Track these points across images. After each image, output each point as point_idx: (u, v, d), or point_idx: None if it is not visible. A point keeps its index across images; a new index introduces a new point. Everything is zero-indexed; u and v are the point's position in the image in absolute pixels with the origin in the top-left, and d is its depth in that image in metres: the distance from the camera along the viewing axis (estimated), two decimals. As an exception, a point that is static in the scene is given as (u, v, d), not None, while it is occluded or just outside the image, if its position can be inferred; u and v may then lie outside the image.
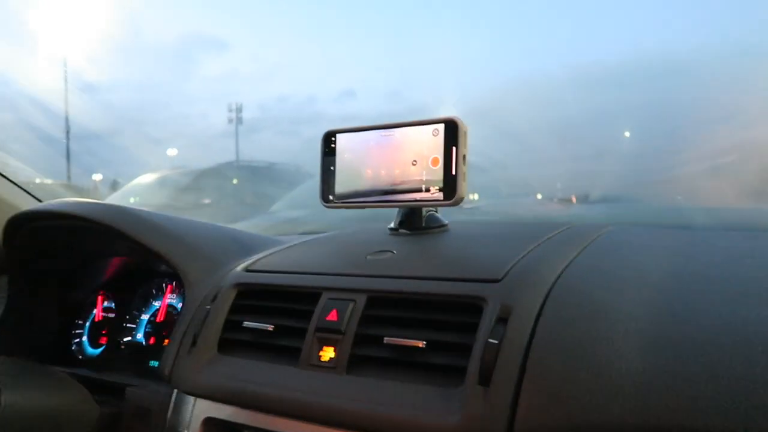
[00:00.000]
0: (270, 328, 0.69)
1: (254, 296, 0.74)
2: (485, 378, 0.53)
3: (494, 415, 0.51)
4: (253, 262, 0.80)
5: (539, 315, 0.56)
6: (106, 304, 1.12)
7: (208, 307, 0.74)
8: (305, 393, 0.62)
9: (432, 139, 0.78)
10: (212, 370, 0.69)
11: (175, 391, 0.72)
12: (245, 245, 0.94)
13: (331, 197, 0.86)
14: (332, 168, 0.86)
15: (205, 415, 0.67)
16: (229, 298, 0.74)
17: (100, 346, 1.09)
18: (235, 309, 0.74)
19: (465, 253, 0.72)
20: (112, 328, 1.08)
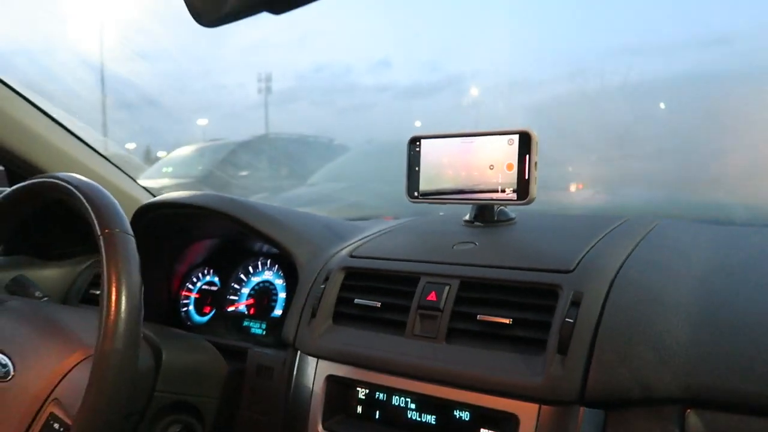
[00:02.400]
0: (378, 304, 0.85)
1: (361, 277, 0.90)
2: (563, 348, 0.68)
3: (571, 377, 0.66)
4: (355, 248, 0.96)
5: (605, 300, 0.70)
6: (209, 278, 1.30)
7: (323, 286, 0.90)
8: (411, 356, 0.78)
9: (507, 147, 0.92)
10: (331, 337, 0.86)
11: (299, 353, 0.89)
12: (336, 231, 1.10)
13: (416, 193, 1.01)
14: (417, 168, 1.01)
15: (327, 373, 0.84)
16: (339, 278, 0.91)
17: (204, 314, 1.28)
18: (344, 288, 0.90)
19: (538, 245, 0.87)
20: (215, 299, 1.25)
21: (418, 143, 1.01)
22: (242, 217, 1.02)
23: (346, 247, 0.99)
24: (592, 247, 0.81)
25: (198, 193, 1.10)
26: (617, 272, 0.75)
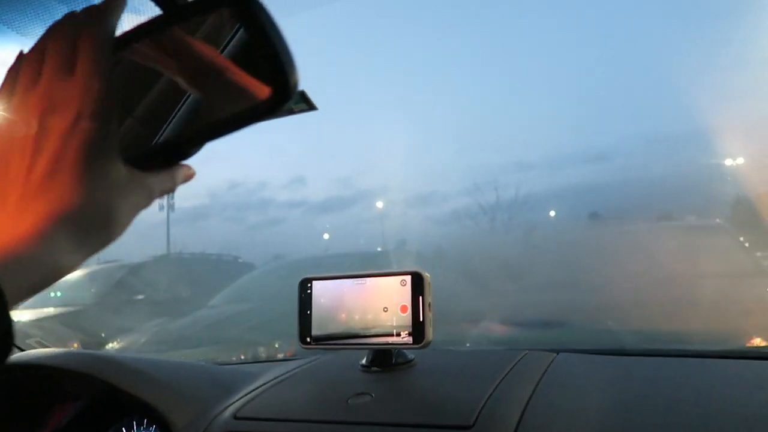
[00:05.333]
0: None
1: (245, 445, 0.80)
2: None
3: None
4: (240, 408, 0.86)
5: None
6: (73, 443, 1.12)
7: None
8: None
9: (400, 288, 0.89)
10: None
11: None
12: (224, 385, 0.99)
13: (308, 339, 0.94)
14: (309, 312, 0.95)
15: None
16: None
17: (66, 489, 1.09)
18: (226, 458, 0.79)
19: (437, 394, 0.82)
20: (80, 470, 1.08)
21: (309, 285, 0.96)
22: (108, 378, 0.90)
23: (232, 404, 0.89)
24: (492, 393, 0.77)
25: (56, 351, 0.97)
26: (518, 423, 0.71)
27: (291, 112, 0.69)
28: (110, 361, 0.94)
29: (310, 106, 0.68)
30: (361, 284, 0.92)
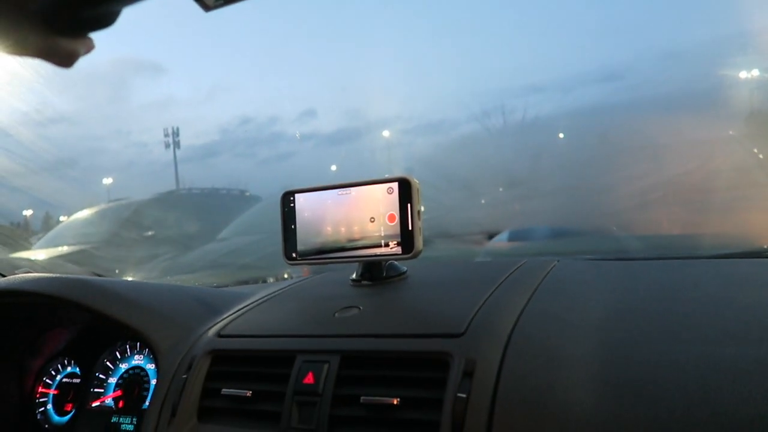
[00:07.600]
0: (248, 394, 0.72)
1: (229, 362, 0.77)
2: (458, 430, 0.58)
3: (468, 465, 0.56)
4: (224, 326, 0.83)
5: (501, 366, 0.61)
6: (69, 369, 1.11)
7: (185, 376, 0.76)
8: (288, 456, 0.65)
9: (387, 196, 0.83)
10: (194, 441, 0.72)
11: (158, 463, 0.73)
12: (210, 305, 0.96)
13: (294, 254, 0.90)
14: (293, 227, 0.90)
15: (191, 485, 0.69)
16: (204, 365, 0.77)
17: (65, 413, 1.08)
18: (211, 376, 0.76)
19: (427, 304, 0.78)
20: (78, 394, 1.07)
21: (292, 198, 0.90)
22: (89, 303, 0.86)
23: (218, 323, 0.86)
24: (486, 300, 0.73)
25: (39, 276, 0.93)
26: (512, 331, 0.66)
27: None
28: (89, 284, 0.90)
29: None
30: (346, 194, 0.86)
